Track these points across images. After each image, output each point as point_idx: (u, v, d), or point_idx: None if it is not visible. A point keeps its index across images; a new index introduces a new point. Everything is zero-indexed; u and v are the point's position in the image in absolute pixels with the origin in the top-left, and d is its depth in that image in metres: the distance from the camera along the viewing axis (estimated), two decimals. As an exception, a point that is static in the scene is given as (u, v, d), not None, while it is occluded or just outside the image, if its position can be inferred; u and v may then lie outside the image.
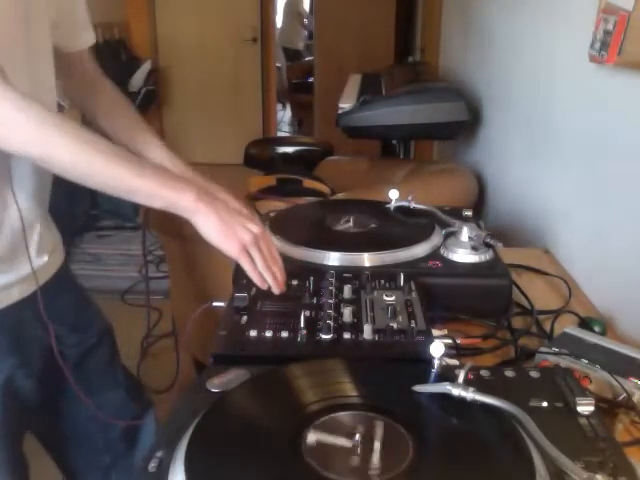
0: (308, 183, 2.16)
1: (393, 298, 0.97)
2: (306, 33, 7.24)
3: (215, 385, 0.76)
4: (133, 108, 1.21)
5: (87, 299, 1.24)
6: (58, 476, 1.27)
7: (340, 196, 1.95)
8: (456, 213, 1.29)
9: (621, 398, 0.83)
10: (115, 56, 4.57)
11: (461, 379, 0.71)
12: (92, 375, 1.18)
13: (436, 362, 0.76)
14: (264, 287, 0.95)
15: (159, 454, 0.64)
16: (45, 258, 1.08)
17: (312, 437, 0.65)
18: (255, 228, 0.94)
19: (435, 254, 1.13)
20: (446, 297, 1.05)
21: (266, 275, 0.95)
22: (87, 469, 1.26)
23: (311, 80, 5.73)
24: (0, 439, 1.02)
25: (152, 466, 0.63)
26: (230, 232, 0.91)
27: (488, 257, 1.11)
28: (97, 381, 1.19)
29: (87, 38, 1.16)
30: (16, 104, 0.81)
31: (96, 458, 1.22)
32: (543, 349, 0.94)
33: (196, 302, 0.98)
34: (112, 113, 1.19)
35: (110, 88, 1.21)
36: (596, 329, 1.06)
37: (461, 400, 0.70)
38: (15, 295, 1.01)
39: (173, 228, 1.88)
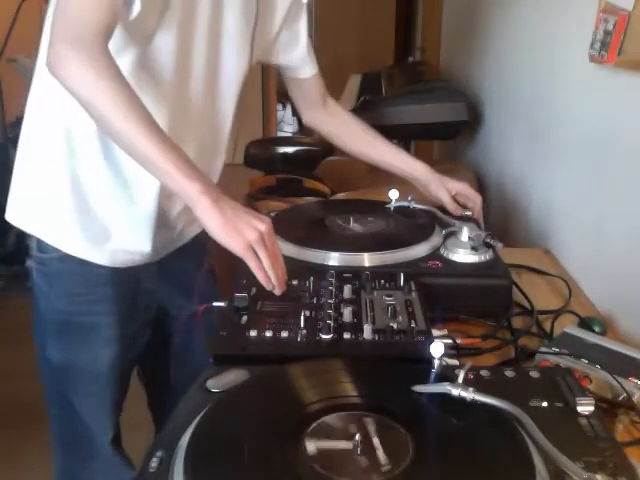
0: (308, 183, 2.16)
1: (393, 298, 0.97)
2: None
3: (215, 385, 0.76)
4: (367, 127, 1.37)
5: (209, 269, 1.30)
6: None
7: (340, 196, 1.95)
8: (456, 213, 1.29)
9: (621, 398, 0.83)
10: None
11: (461, 379, 0.71)
12: (195, 340, 1.20)
13: (436, 362, 0.76)
14: (269, 287, 0.95)
15: (159, 454, 0.64)
16: (182, 227, 1.17)
17: (312, 446, 0.65)
18: (262, 226, 0.93)
19: (435, 254, 1.13)
20: (446, 297, 1.05)
21: (271, 274, 0.94)
22: None
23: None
24: (112, 369, 1.14)
25: (152, 466, 0.63)
26: (234, 230, 0.91)
27: (488, 257, 1.11)
28: (199, 347, 1.22)
29: (308, 69, 1.34)
30: (82, 55, 0.86)
31: None
32: (543, 349, 0.94)
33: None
34: (355, 140, 1.36)
35: (349, 116, 1.39)
36: (596, 329, 1.06)
37: (461, 400, 0.70)
38: (146, 258, 1.12)
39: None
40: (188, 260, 1.22)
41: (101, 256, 1.07)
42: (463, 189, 1.32)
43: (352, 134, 1.36)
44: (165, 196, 1.08)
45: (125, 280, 1.11)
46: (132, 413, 1.28)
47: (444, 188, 1.30)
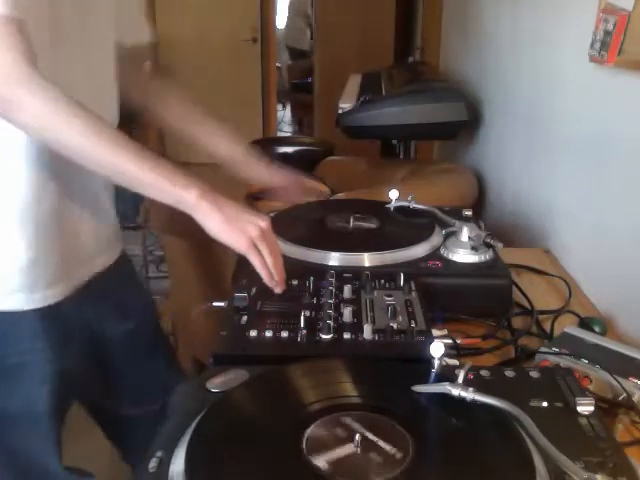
0: (308, 183, 2.16)
1: (393, 298, 0.97)
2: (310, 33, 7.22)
3: (215, 385, 0.76)
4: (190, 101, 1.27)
5: (136, 281, 1.29)
6: None
7: (340, 196, 1.95)
8: (456, 213, 1.29)
9: (621, 398, 0.83)
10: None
11: (461, 379, 0.71)
12: (137, 354, 1.20)
13: (436, 362, 0.76)
14: (272, 284, 0.95)
15: (159, 454, 0.64)
16: (101, 258, 1.11)
17: (311, 446, 0.65)
18: (262, 223, 0.93)
19: (435, 254, 1.13)
20: (446, 297, 1.05)
21: (273, 271, 0.94)
22: (136, 452, 1.24)
23: (311, 80, 5.73)
24: (50, 407, 1.05)
25: (152, 466, 0.63)
26: (235, 228, 0.91)
27: (488, 257, 1.11)
28: (142, 360, 1.21)
29: (143, 34, 1.18)
30: (32, 88, 0.83)
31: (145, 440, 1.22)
32: (543, 349, 0.94)
33: (196, 302, 0.98)
34: (173, 110, 1.25)
35: (173, 88, 1.27)
36: (596, 329, 1.06)
37: (461, 400, 0.70)
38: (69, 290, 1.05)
39: (174, 228, 1.88)
40: (115, 278, 1.15)
41: (24, 302, 0.99)
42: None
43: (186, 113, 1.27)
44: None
45: (52, 313, 1.02)
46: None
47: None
